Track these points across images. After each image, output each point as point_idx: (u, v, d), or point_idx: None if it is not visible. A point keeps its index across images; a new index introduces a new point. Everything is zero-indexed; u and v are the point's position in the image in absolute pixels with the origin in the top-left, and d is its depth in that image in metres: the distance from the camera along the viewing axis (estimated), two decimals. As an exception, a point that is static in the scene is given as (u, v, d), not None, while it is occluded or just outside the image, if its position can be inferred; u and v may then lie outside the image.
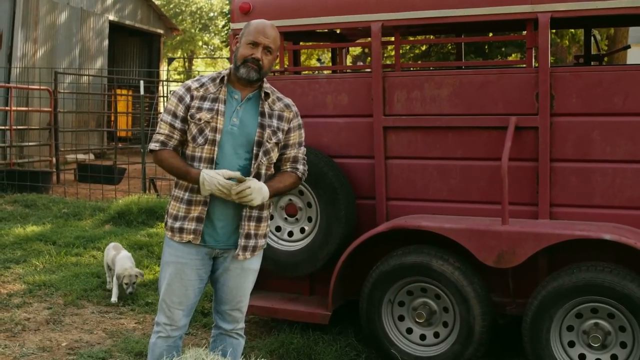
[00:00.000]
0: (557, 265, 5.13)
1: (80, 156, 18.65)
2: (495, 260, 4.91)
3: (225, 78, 4.05)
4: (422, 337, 5.31)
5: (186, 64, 49.37)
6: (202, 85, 4.04)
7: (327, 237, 5.56)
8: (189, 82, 4.10)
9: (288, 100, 4.20)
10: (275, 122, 4.07)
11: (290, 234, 5.80)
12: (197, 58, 50.91)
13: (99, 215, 11.40)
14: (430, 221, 5.23)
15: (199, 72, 39.67)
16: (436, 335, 5.29)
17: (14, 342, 5.91)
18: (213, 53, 51.45)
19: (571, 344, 4.87)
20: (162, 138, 4.02)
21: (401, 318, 5.37)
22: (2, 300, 7.02)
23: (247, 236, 4.07)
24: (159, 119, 4.12)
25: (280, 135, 4.08)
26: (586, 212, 5.10)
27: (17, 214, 11.51)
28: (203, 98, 4.00)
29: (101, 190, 13.85)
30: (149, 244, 9.28)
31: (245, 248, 4.07)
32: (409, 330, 5.35)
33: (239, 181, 3.83)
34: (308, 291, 6.03)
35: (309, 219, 5.74)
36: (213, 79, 4.07)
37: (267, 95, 4.08)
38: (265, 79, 4.10)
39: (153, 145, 4.04)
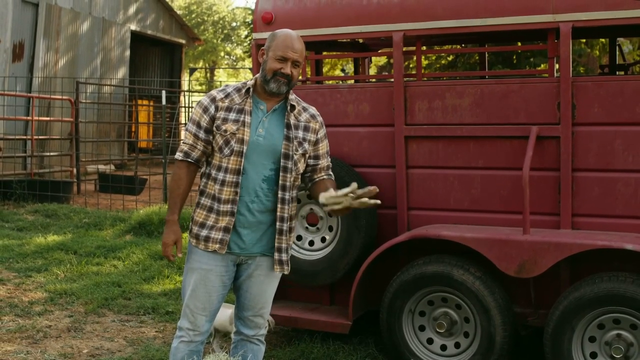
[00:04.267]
0: (579, 275, 5.10)
1: (101, 166, 18.76)
2: (517, 270, 4.89)
3: (251, 89, 4.07)
4: (443, 347, 5.29)
5: (208, 74, 49.39)
6: (227, 96, 4.07)
7: (347, 247, 5.56)
8: (213, 92, 4.13)
9: (313, 110, 4.23)
10: (301, 133, 4.10)
11: (311, 243, 5.80)
12: (219, 68, 50.89)
13: (119, 225, 11.45)
14: (451, 230, 5.22)
15: (220, 82, 39.72)
16: (457, 345, 5.26)
17: (36, 349, 5.94)
18: (235, 63, 51.45)
19: (593, 355, 4.83)
20: (185, 148, 4.09)
21: (422, 328, 5.36)
22: (23, 307, 7.07)
23: (285, 250, 4.13)
24: (185, 129, 4.16)
25: (306, 146, 4.12)
26: (608, 222, 5.06)
27: (38, 224, 11.58)
28: (228, 109, 4.03)
29: (122, 200, 13.91)
30: (170, 254, 9.26)
31: (280, 262, 4.13)
32: (430, 341, 5.33)
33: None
34: (328, 301, 6.02)
35: (330, 228, 5.74)
36: (238, 90, 4.09)
37: (292, 107, 4.11)
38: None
39: (177, 155, 4.11)
